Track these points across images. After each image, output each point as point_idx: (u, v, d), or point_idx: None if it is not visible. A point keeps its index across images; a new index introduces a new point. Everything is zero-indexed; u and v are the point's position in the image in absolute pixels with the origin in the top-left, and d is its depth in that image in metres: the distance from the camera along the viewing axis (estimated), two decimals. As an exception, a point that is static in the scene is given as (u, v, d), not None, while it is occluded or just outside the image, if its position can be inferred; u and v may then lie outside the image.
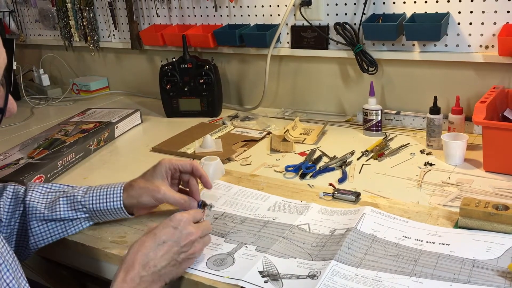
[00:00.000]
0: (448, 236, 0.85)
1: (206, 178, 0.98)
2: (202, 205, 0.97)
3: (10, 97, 0.69)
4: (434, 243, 0.84)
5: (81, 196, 0.93)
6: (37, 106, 1.97)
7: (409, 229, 0.88)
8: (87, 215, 0.94)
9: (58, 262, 1.04)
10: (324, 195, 1.03)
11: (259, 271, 0.79)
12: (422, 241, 0.85)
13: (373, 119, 1.37)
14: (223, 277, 0.79)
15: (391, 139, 1.34)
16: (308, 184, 1.10)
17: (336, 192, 1.03)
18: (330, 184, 1.10)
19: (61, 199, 0.93)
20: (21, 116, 1.85)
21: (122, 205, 0.93)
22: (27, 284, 0.71)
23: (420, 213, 0.94)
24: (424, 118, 1.38)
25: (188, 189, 0.99)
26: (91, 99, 2.02)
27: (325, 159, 1.24)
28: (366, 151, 1.27)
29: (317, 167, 1.18)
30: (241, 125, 1.55)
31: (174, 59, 1.64)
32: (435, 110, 1.25)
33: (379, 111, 1.36)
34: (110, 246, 0.92)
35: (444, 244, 0.83)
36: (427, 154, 1.23)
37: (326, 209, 0.98)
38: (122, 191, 0.93)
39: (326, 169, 1.17)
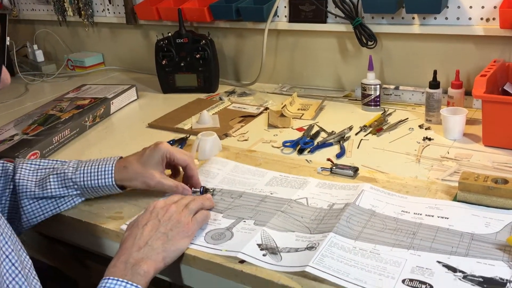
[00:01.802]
0: (447, 209, 0.85)
1: (197, 180, 0.97)
2: (204, 191, 0.96)
3: (3, 68, 0.69)
4: (433, 216, 0.83)
5: (72, 173, 0.92)
6: (31, 82, 1.95)
7: (408, 204, 0.88)
8: (78, 191, 0.94)
9: (55, 238, 1.04)
10: (322, 170, 1.03)
11: (257, 244, 0.79)
12: (421, 214, 0.84)
13: (371, 94, 1.35)
14: (221, 250, 0.79)
15: (390, 114, 1.33)
16: (306, 160, 1.10)
17: (334, 167, 1.02)
18: (328, 159, 1.09)
19: (51, 176, 0.92)
20: (16, 92, 1.83)
21: (114, 182, 0.93)
22: (28, 256, 0.71)
23: (418, 188, 0.93)
24: (423, 92, 1.37)
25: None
26: (86, 75, 2.00)
27: (323, 135, 1.23)
28: (365, 126, 1.26)
29: (315, 143, 1.17)
30: (238, 100, 1.54)
31: (169, 34, 1.61)
32: (434, 84, 1.24)
33: (378, 86, 1.35)
34: (106, 222, 0.91)
35: (443, 217, 0.83)
36: (425, 129, 1.22)
37: (324, 183, 0.97)
38: (113, 167, 0.93)
39: (324, 145, 1.16)
